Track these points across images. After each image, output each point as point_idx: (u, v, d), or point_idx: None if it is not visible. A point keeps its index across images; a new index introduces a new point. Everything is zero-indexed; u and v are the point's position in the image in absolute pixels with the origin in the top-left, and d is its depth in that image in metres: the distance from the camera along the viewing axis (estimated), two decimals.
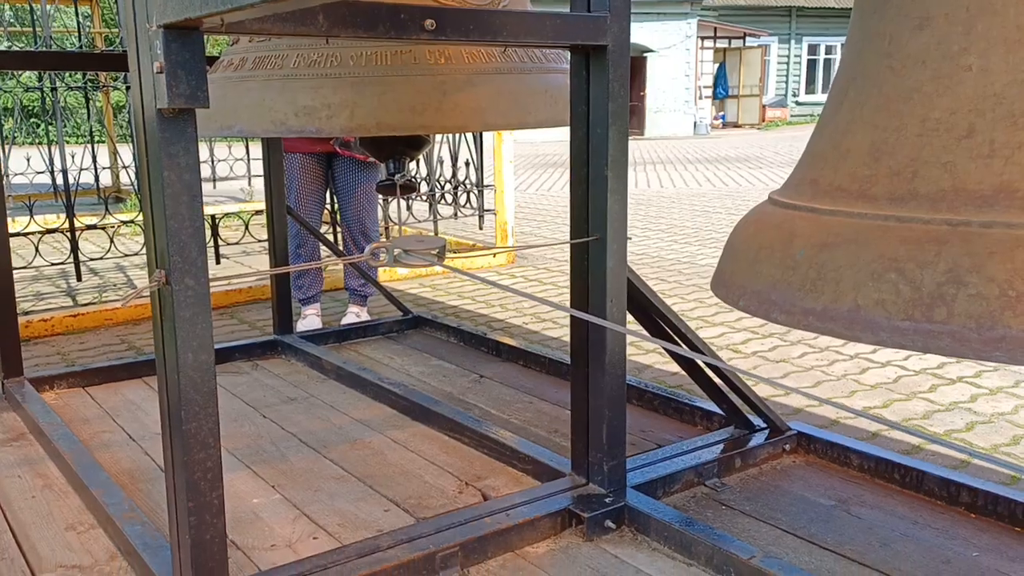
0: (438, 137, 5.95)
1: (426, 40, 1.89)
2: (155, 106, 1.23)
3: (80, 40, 8.70)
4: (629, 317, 1.87)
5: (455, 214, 5.83)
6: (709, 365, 2.16)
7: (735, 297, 1.10)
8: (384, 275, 4.93)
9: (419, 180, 6.05)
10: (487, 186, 5.70)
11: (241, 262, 5.40)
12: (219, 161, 8.97)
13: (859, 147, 1.03)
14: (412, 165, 6.62)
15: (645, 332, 1.96)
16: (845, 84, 1.08)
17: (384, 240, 1.51)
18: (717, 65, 24.95)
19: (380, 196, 5.40)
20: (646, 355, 3.38)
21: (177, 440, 1.32)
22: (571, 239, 1.82)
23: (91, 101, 7.08)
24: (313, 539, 1.74)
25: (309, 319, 3.74)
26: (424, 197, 5.93)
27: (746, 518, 1.81)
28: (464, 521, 1.70)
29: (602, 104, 1.72)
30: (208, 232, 4.94)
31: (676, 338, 1.95)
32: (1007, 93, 0.90)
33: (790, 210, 1.08)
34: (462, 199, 5.80)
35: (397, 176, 2.05)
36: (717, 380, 2.18)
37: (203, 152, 8.98)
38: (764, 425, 2.15)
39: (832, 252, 0.97)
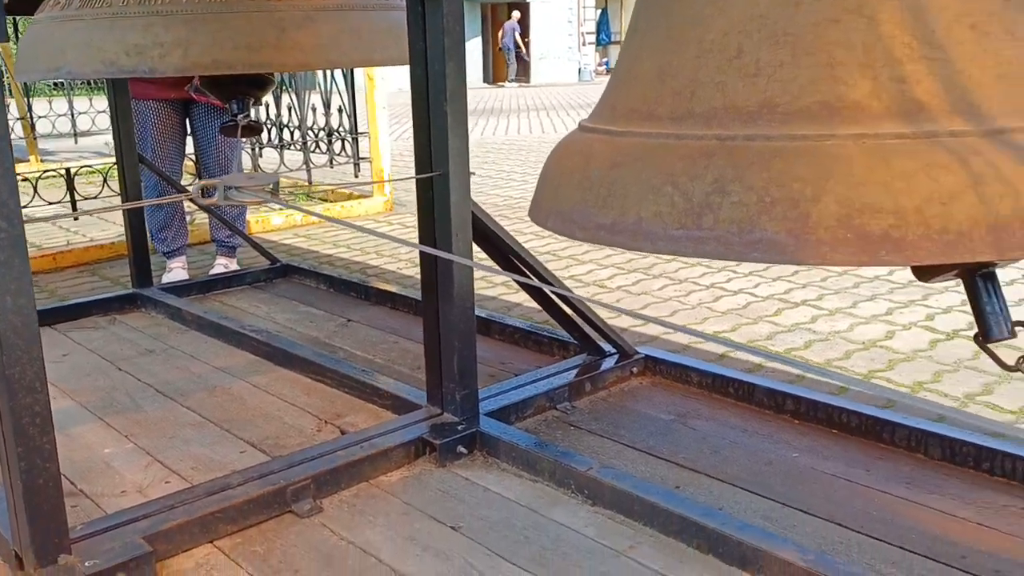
0: (309, 84, 5.82)
1: None
2: None
3: None
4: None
5: (330, 162, 5.74)
6: (561, 297, 2.24)
7: (543, 219, 1.16)
8: (257, 226, 4.84)
9: (292, 128, 5.91)
10: (361, 133, 5.63)
11: (103, 218, 5.19)
12: (80, 114, 8.51)
13: (648, 71, 1.09)
14: (285, 113, 6.39)
15: (493, 264, 2.02)
16: (638, 13, 1.14)
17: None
18: (599, 11, 25.08)
19: (245, 143, 5.25)
20: (516, 294, 3.46)
21: (2, 386, 1.29)
22: (415, 175, 1.85)
23: None
24: (165, 483, 1.74)
25: (175, 272, 3.65)
26: (297, 146, 5.81)
27: (592, 436, 1.91)
28: (317, 456, 1.73)
29: (438, 40, 1.74)
30: (64, 187, 4.71)
31: (523, 268, 2.01)
32: (770, 14, 0.97)
33: (590, 134, 1.14)
34: (337, 147, 5.71)
35: (240, 117, 2.01)
36: (569, 311, 2.26)
37: (62, 105, 8.50)
38: (614, 351, 2.26)
39: (621, 170, 1.04)
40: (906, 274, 3.42)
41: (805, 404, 1.93)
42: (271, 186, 1.58)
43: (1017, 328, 0.97)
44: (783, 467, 1.74)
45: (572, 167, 1.14)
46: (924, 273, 1.00)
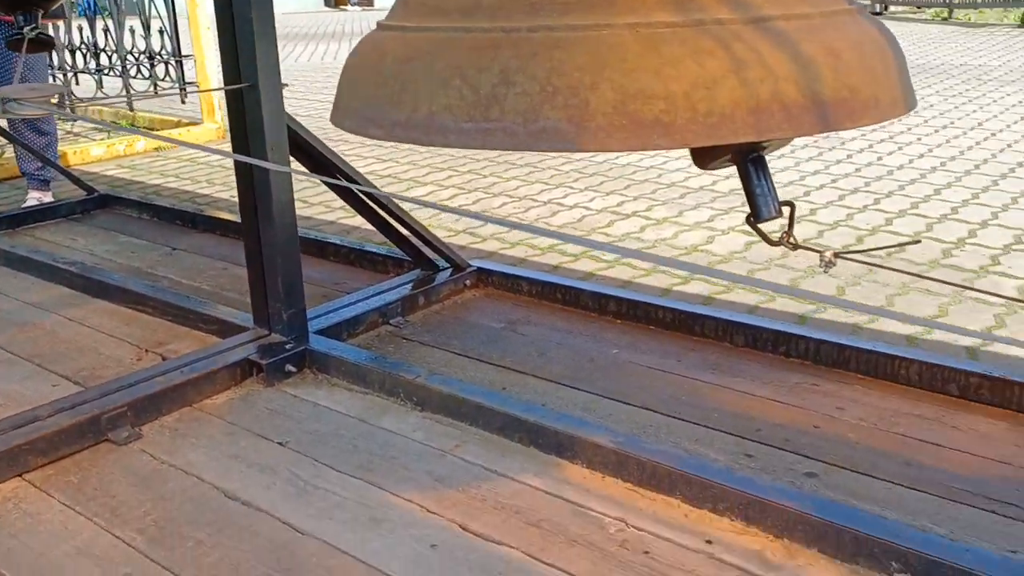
0: (128, 7, 5.39)
1: None
2: None
3: None
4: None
5: (153, 88, 5.39)
6: (396, 217, 2.22)
7: (341, 120, 1.14)
8: (74, 157, 4.52)
9: (109, 52, 5.48)
10: (186, 56, 5.30)
11: None
12: None
13: None
14: (101, 37, 5.91)
15: (304, 169, 1.97)
16: None
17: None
18: None
19: (52, 66, 4.86)
20: (353, 218, 3.40)
21: None
22: (224, 86, 1.77)
23: None
24: None
25: None
26: (116, 71, 5.41)
27: (424, 347, 1.94)
28: (135, 383, 1.67)
29: None
30: None
31: (342, 179, 1.98)
32: None
33: (385, 32, 1.12)
34: (160, 72, 5.35)
35: (27, 29, 1.85)
36: (403, 230, 2.26)
37: None
38: (447, 266, 2.28)
39: (412, 65, 1.03)
40: (728, 183, 3.60)
41: (626, 304, 2.02)
42: (56, 97, 1.46)
43: (784, 208, 1.04)
44: (604, 363, 1.83)
45: (367, 66, 1.12)
46: (701, 158, 1.06)
